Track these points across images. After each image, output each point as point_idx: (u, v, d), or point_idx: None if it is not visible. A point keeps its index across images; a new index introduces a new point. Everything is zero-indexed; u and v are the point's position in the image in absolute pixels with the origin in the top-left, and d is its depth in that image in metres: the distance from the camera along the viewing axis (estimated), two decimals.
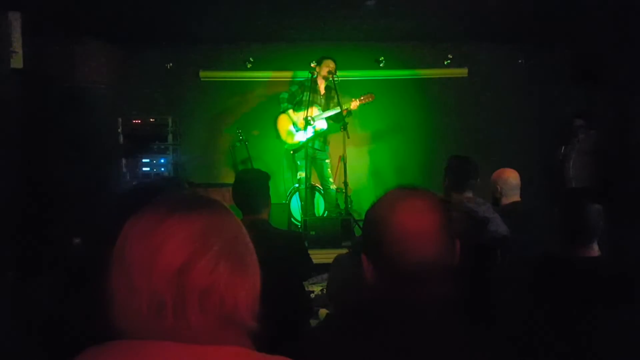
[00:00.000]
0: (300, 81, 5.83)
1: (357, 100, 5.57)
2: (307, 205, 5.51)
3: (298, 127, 5.57)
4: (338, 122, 5.52)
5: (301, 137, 5.59)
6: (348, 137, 5.42)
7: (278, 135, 5.79)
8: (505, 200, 3.46)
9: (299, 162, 5.65)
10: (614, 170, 5.54)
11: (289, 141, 5.65)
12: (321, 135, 5.68)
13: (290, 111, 5.68)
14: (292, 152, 5.71)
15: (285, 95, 5.80)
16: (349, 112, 5.60)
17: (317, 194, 6.00)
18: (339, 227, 5.00)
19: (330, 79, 5.53)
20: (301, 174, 5.63)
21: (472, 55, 6.58)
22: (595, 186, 5.61)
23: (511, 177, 3.52)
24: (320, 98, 5.70)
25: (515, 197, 3.49)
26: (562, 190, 5.74)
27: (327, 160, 5.73)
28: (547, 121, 6.21)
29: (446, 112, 6.49)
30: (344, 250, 4.00)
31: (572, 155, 5.77)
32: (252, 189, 2.65)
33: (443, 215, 1.15)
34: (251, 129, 6.43)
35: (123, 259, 0.85)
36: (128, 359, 0.81)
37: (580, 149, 5.76)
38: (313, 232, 4.92)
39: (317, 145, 5.67)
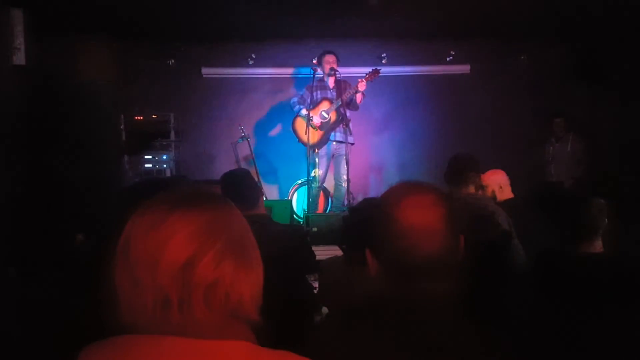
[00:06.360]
0: (308, 85, 5.77)
1: (363, 80, 5.51)
2: (312, 202, 5.52)
3: (314, 125, 5.54)
4: (355, 109, 5.53)
5: (318, 134, 5.57)
6: (350, 134, 5.43)
7: (299, 139, 5.73)
8: (500, 198, 3.49)
9: (317, 159, 5.62)
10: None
11: (311, 141, 5.57)
12: (339, 125, 5.61)
13: (304, 111, 5.65)
14: (316, 150, 5.63)
15: (296, 100, 5.79)
16: (359, 93, 5.55)
17: (323, 193, 5.99)
18: (340, 223, 4.99)
19: (335, 76, 5.54)
20: (316, 172, 5.62)
21: (474, 52, 6.57)
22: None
23: (498, 176, 3.57)
24: (331, 91, 5.68)
25: (508, 194, 3.53)
26: (557, 186, 5.79)
27: (345, 158, 5.63)
28: (548, 118, 6.20)
29: (448, 108, 6.48)
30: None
31: (550, 149, 6.05)
32: (243, 184, 2.63)
33: (448, 210, 1.15)
34: (253, 127, 6.43)
35: (127, 255, 0.85)
36: (133, 354, 0.81)
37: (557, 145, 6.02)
38: (315, 229, 4.92)
39: (338, 137, 5.65)
